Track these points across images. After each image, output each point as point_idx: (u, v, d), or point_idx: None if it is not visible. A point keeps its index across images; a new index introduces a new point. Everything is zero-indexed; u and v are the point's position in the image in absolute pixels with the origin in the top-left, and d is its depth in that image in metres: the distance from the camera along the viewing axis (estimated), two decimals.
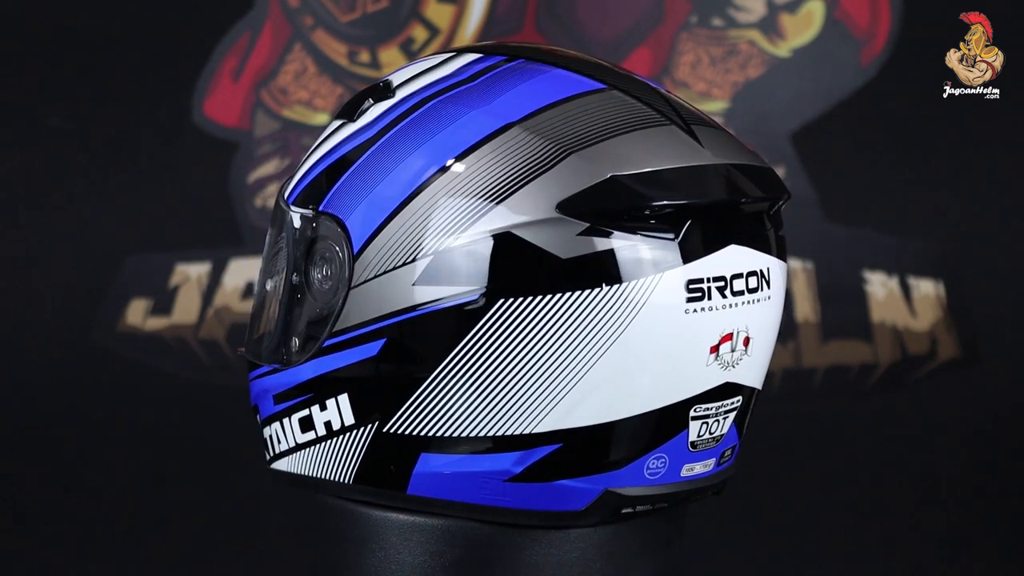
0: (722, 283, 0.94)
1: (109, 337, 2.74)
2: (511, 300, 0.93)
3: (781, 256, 0.99)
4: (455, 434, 0.96)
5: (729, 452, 0.99)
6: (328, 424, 0.99)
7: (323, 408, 0.99)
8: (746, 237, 0.96)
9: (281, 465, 1.03)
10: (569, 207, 0.93)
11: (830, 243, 2.83)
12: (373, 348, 0.97)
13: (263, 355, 1.04)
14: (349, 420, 0.98)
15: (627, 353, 0.93)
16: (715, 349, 0.94)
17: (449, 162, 0.96)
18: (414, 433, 0.96)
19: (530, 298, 0.93)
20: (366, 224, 0.97)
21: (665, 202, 0.93)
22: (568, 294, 0.92)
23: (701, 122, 0.98)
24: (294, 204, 1.02)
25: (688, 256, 0.93)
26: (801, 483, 2.44)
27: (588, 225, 0.92)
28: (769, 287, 0.97)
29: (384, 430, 0.97)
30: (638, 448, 0.95)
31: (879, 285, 2.80)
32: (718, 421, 0.97)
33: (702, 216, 0.94)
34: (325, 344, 0.98)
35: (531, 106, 0.97)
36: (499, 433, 0.95)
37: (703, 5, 2.90)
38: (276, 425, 1.02)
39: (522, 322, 0.93)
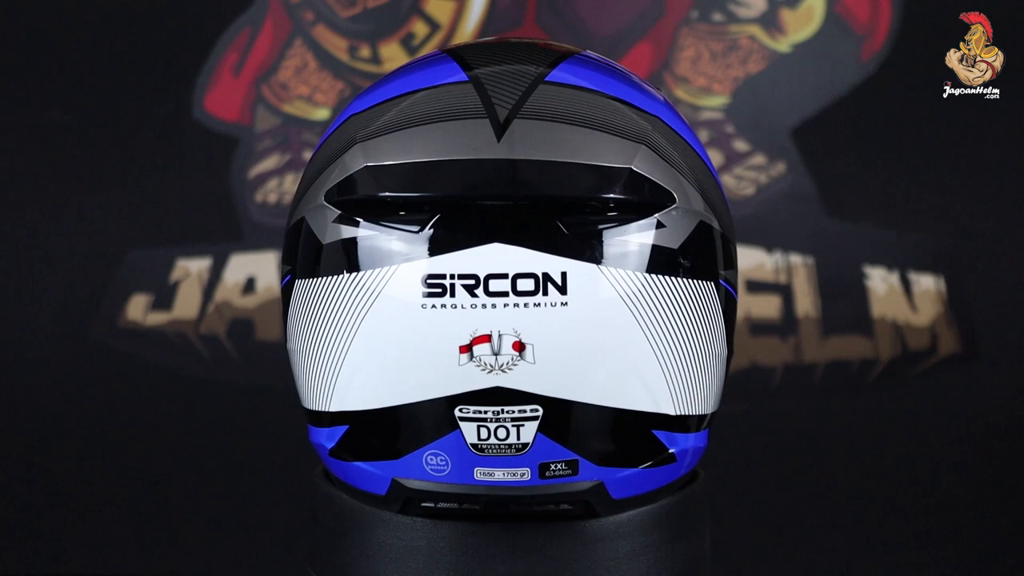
0: (472, 281, 0.90)
1: (109, 332, 2.74)
2: (301, 281, 0.97)
3: (621, 262, 0.92)
4: (304, 406, 1.01)
5: (563, 467, 0.94)
6: None
7: None
8: (523, 237, 0.91)
9: None
10: (329, 195, 0.95)
11: (830, 238, 2.83)
12: None
13: None
14: None
15: (369, 342, 0.93)
16: (466, 349, 0.91)
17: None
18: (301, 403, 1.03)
19: (308, 280, 0.96)
20: None
21: (396, 194, 0.92)
22: (324, 279, 0.95)
23: (556, 118, 0.94)
24: None
25: (431, 251, 0.91)
26: (801, 478, 2.44)
27: (340, 213, 0.94)
28: (562, 292, 0.91)
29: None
30: (409, 441, 0.94)
31: (879, 280, 2.80)
32: (504, 428, 0.93)
33: (453, 211, 0.91)
34: None
35: (378, 99, 0.99)
36: (310, 408, 1.00)
37: (704, 0, 2.90)
38: None
39: (303, 303, 0.97)
